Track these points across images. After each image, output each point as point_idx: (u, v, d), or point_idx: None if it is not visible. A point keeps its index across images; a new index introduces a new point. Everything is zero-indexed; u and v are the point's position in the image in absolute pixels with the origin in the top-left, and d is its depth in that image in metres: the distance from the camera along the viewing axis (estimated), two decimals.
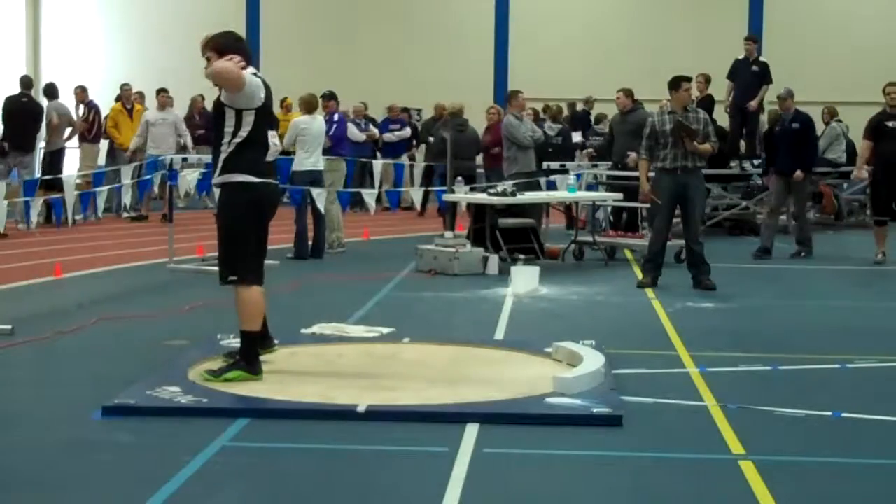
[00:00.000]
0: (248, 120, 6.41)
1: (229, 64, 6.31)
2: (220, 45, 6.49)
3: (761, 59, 16.03)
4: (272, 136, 7.27)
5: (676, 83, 10.48)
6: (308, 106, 12.82)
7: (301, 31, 24.68)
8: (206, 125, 19.65)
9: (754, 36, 18.10)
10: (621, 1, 24.96)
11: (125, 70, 22.52)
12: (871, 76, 17.94)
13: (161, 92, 17.32)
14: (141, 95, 18.68)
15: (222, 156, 6.44)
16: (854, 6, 24.15)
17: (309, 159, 12.58)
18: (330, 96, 13.82)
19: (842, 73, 22.84)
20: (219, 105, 6.53)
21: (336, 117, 13.84)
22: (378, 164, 16.29)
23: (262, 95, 6.48)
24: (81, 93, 17.84)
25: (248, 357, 6.40)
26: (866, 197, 17.62)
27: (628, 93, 13.98)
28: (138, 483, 4.61)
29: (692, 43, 23.14)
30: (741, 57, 15.94)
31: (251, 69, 6.50)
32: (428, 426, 5.49)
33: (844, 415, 5.79)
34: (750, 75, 15.72)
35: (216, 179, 6.54)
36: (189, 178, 13.07)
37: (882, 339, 8.18)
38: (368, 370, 6.75)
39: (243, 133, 6.40)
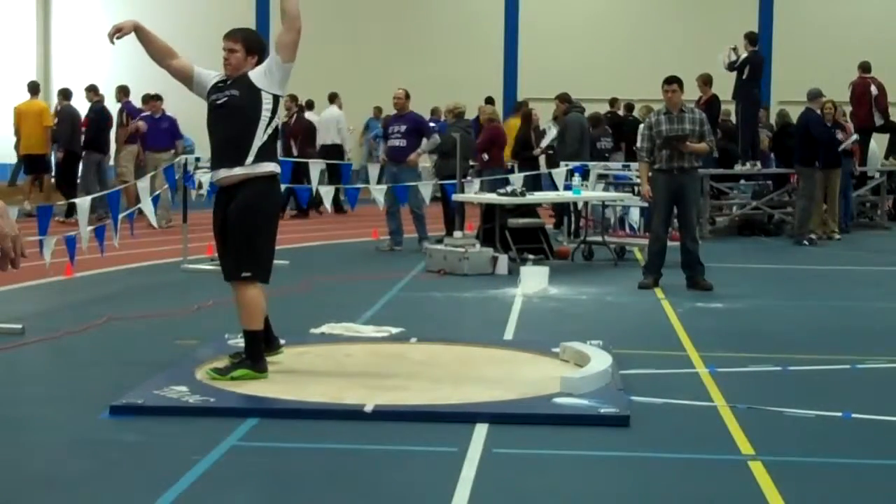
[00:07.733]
0: (278, 109, 6.41)
1: None
2: (253, 44, 6.51)
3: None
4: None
5: (665, 82, 10.44)
6: None
7: (309, 31, 24.59)
8: None
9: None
10: (631, 2, 24.95)
11: (135, 72, 22.53)
12: (876, 75, 17.90)
13: None
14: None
15: (257, 143, 6.25)
16: (858, 6, 24.10)
17: None
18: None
19: (846, 73, 22.78)
20: (251, 88, 6.32)
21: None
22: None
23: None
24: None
25: (254, 355, 6.39)
26: (877, 198, 17.64)
27: None
28: (147, 483, 4.61)
29: (700, 44, 23.09)
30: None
31: None
32: (436, 426, 5.49)
33: (854, 415, 5.77)
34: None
35: (247, 169, 6.24)
36: (203, 180, 13.04)
37: (893, 340, 8.15)
38: (377, 370, 6.74)
39: (276, 122, 6.38)
